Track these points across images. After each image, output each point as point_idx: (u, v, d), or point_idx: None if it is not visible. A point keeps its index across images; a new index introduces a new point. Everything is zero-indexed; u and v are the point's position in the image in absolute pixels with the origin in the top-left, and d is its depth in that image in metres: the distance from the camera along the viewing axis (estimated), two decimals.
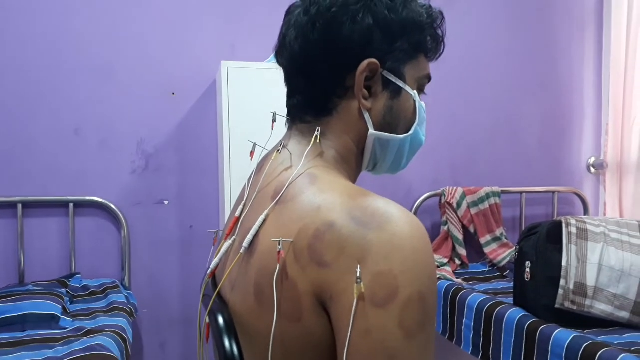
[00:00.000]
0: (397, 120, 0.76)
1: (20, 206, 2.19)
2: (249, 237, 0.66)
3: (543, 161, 2.94)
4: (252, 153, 0.81)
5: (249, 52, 2.38)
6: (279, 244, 0.60)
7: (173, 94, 2.38)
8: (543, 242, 1.85)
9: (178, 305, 2.41)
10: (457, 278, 2.40)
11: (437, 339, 2.47)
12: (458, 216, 2.62)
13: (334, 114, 0.74)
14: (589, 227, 1.85)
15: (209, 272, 0.73)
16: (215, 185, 2.42)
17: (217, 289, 0.69)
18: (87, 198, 2.28)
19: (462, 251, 2.60)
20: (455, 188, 2.66)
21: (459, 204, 2.63)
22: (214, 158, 2.41)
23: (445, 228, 2.64)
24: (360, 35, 0.70)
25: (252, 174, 0.80)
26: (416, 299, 0.56)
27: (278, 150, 0.75)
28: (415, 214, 2.66)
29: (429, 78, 0.81)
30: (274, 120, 0.79)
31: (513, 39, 2.87)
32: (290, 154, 0.73)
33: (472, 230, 2.65)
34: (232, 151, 2.02)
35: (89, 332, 1.69)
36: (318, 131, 0.73)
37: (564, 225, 1.85)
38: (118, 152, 2.33)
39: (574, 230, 1.85)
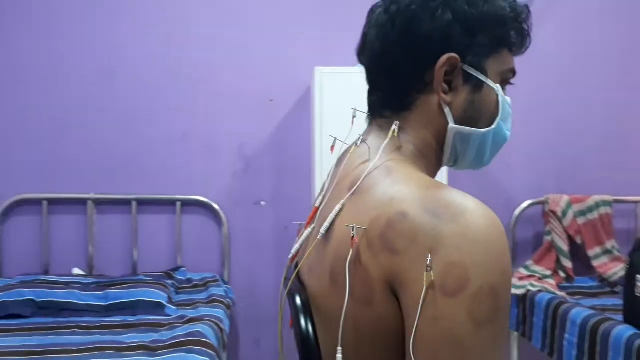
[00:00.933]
0: (479, 114, 0.75)
1: (134, 203, 2.41)
2: (326, 224, 0.68)
3: None
4: (332, 147, 0.83)
5: (342, 57, 2.43)
6: (353, 230, 0.62)
7: (271, 100, 2.49)
8: None
9: (273, 303, 2.50)
10: (560, 291, 2.26)
11: (536, 354, 2.34)
12: (563, 226, 2.47)
13: (412, 108, 0.75)
14: None
15: (290, 257, 0.76)
16: (308, 189, 2.48)
17: (296, 271, 0.73)
18: (193, 197, 2.45)
19: (568, 263, 2.44)
20: (560, 196, 2.50)
21: (564, 213, 2.47)
22: (307, 162, 2.49)
23: (549, 238, 2.49)
24: (440, 31, 0.71)
25: (332, 168, 0.82)
26: (487, 291, 0.56)
27: (357, 145, 0.77)
28: (515, 223, 2.54)
29: (513, 72, 0.79)
30: (354, 116, 0.82)
31: (625, 34, 2.65)
32: (369, 147, 0.74)
33: (579, 241, 2.48)
34: (324, 156, 2.08)
35: (191, 320, 1.81)
36: (396, 125, 0.74)
37: None
38: (220, 155, 2.48)
39: None
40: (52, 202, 2.40)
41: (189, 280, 2.33)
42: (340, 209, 0.68)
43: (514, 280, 2.41)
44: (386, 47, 0.74)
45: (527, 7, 0.77)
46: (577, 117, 2.64)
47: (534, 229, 2.63)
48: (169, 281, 2.21)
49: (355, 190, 0.68)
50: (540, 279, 2.38)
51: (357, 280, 0.62)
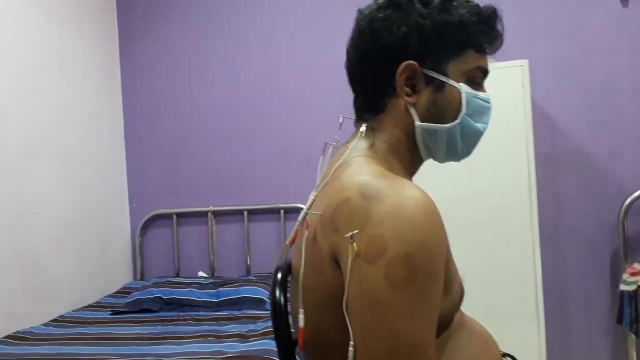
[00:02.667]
0: (442, 111, 0.83)
1: (245, 213, 2.72)
2: (302, 213, 0.83)
3: None
4: (324, 150, 0.97)
5: None
6: (307, 215, 0.76)
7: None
8: None
9: None
10: None
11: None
12: None
13: (385, 110, 0.86)
14: None
15: (287, 242, 0.92)
16: None
17: (283, 249, 0.89)
18: (293, 205, 2.69)
19: None
20: None
21: None
22: None
23: None
24: (398, 43, 0.81)
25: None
26: (402, 258, 0.65)
27: (333, 146, 0.90)
28: (625, 214, 2.35)
29: (482, 70, 0.85)
30: (340, 123, 0.95)
31: None
32: (347, 147, 0.87)
33: None
34: None
35: None
36: (364, 127, 0.85)
37: None
38: (315, 166, 2.68)
39: None
40: (180, 215, 2.81)
41: None
42: (313, 200, 0.82)
43: (625, 276, 2.24)
44: (359, 59, 0.87)
45: (493, 9, 0.84)
46: None
47: None
48: None
49: (324, 184, 0.82)
50: None
51: (314, 255, 0.75)
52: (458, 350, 0.78)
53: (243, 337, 1.80)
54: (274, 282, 0.84)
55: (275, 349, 1.61)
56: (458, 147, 0.86)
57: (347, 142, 0.89)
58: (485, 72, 0.86)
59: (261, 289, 2.28)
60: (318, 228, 0.75)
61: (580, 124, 2.47)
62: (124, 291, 2.54)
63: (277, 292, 0.82)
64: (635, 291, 2.14)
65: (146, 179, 2.87)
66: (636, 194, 2.35)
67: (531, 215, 2.15)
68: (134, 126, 2.88)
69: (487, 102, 0.86)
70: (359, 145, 0.85)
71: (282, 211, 2.69)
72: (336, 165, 0.83)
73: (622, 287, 2.22)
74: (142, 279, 2.76)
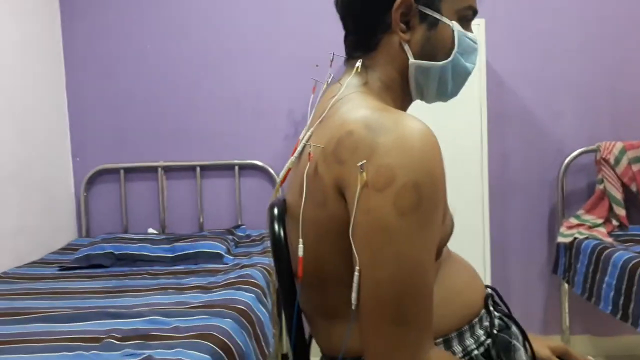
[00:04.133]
0: (435, 49, 0.84)
1: (198, 169, 2.66)
2: (299, 148, 0.83)
3: None
4: (313, 89, 0.97)
5: None
6: (310, 148, 0.76)
7: (317, 65, 2.61)
8: None
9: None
10: (609, 238, 2.23)
11: (577, 300, 2.34)
12: (616, 173, 2.41)
13: (378, 48, 0.86)
14: None
15: (279, 180, 0.91)
16: None
17: (277, 188, 0.88)
18: (249, 162, 2.66)
19: (621, 211, 2.39)
20: (613, 143, 2.44)
21: (617, 160, 2.41)
22: None
23: (601, 187, 2.44)
24: None
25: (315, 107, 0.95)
26: (410, 187, 0.67)
27: (328, 83, 0.90)
28: (565, 172, 2.51)
29: (472, 10, 0.86)
30: (331, 60, 0.94)
31: None
32: (340, 85, 0.86)
33: (634, 189, 2.41)
34: None
35: (244, 267, 2.03)
36: (359, 62, 0.85)
37: None
38: (272, 121, 2.66)
39: None
40: (127, 170, 2.70)
41: (247, 236, 2.55)
42: (310, 136, 0.82)
43: (562, 229, 2.41)
44: None
45: None
46: (629, 60, 2.54)
47: (587, 178, 2.58)
48: (229, 236, 2.44)
49: (322, 119, 0.82)
50: (590, 227, 2.36)
51: (315, 188, 0.76)
52: (448, 279, 0.82)
53: (205, 289, 1.79)
54: (271, 218, 0.83)
55: (242, 299, 1.63)
56: (449, 86, 0.88)
57: (340, 79, 0.89)
58: (474, 12, 0.87)
59: (218, 244, 2.26)
60: (320, 161, 0.75)
61: (527, 84, 2.58)
62: (70, 248, 2.44)
63: (276, 227, 0.81)
64: (571, 243, 2.31)
65: (90, 133, 2.73)
66: (574, 153, 2.51)
67: (482, 170, 2.25)
68: (76, 76, 2.71)
69: (475, 42, 0.88)
70: (353, 82, 0.85)
71: (236, 167, 2.66)
72: (332, 101, 0.83)
73: (560, 239, 2.39)
74: (87, 236, 2.65)
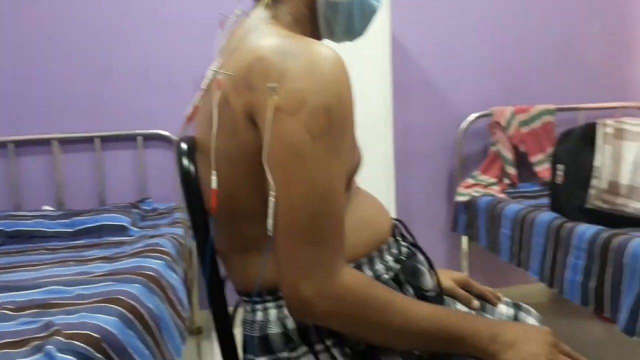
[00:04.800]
0: None
1: (98, 140, 2.50)
2: (205, 80, 0.81)
3: (606, 77, 2.80)
4: (221, 24, 0.94)
5: None
6: (219, 75, 0.75)
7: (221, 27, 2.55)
8: (576, 145, 1.83)
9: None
10: (502, 195, 2.41)
11: (483, 253, 2.53)
12: (507, 136, 2.60)
13: None
14: (627, 127, 1.80)
15: (185, 117, 0.88)
16: None
17: (183, 126, 0.85)
18: (154, 132, 2.55)
19: (512, 170, 2.58)
20: (504, 107, 2.62)
21: (508, 123, 2.60)
22: None
23: (494, 149, 2.63)
24: None
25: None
26: (321, 110, 0.68)
27: (237, 17, 0.88)
28: (462, 136, 2.67)
29: None
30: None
31: None
32: (250, 18, 0.85)
33: (522, 149, 2.62)
34: None
35: (152, 237, 1.95)
36: None
37: (599, 126, 1.81)
38: (178, 90, 2.56)
39: (610, 130, 1.80)
40: (18, 144, 2.49)
41: (154, 210, 2.45)
42: (218, 68, 0.80)
43: (460, 189, 2.56)
44: None
45: None
46: (521, 29, 2.73)
47: (483, 142, 2.76)
48: (134, 210, 2.33)
49: (231, 51, 0.80)
50: (485, 186, 2.53)
51: (226, 118, 0.74)
52: (357, 209, 0.84)
53: (109, 259, 1.70)
54: (179, 153, 0.81)
55: (150, 265, 1.57)
56: (355, 23, 0.90)
57: (248, 13, 0.87)
58: None
59: (122, 216, 2.15)
60: (230, 90, 0.74)
61: (429, 54, 2.70)
62: None
63: (185, 161, 0.79)
64: (469, 201, 2.47)
65: None
66: (470, 118, 2.67)
67: (386, 137, 2.33)
68: None
69: None
70: (262, 15, 0.84)
71: (140, 138, 2.53)
72: (240, 32, 0.82)
73: (458, 198, 2.54)
74: None
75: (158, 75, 2.55)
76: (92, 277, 1.48)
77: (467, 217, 2.50)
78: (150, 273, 1.53)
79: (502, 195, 2.37)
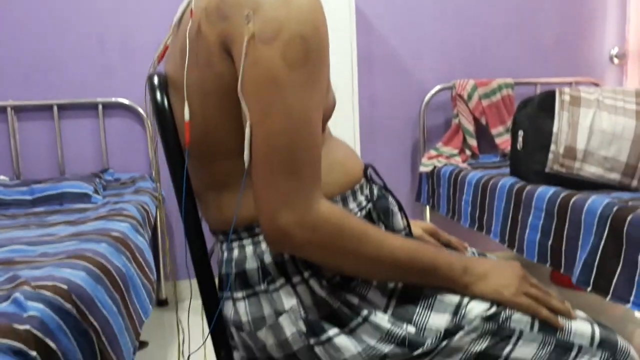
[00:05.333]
0: None
1: (55, 108, 2.42)
2: (177, 14, 0.80)
3: (561, 53, 2.90)
4: None
5: None
6: (191, 4, 0.74)
7: None
8: (535, 111, 1.89)
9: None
10: (464, 165, 2.48)
11: (445, 222, 2.59)
12: (469, 108, 2.66)
13: None
14: (583, 95, 1.87)
15: (156, 57, 0.87)
16: None
17: (153, 64, 0.84)
18: (114, 100, 2.48)
19: (473, 142, 2.65)
20: (466, 80, 2.68)
21: (469, 96, 2.66)
22: None
23: (456, 121, 2.69)
24: None
25: None
26: (298, 39, 0.68)
27: None
28: (425, 108, 2.72)
29: None
30: None
31: None
32: None
33: (483, 122, 2.69)
34: None
35: (115, 203, 1.91)
36: None
37: (557, 94, 1.88)
38: (140, 57, 2.50)
39: (567, 98, 1.87)
40: None
41: (117, 180, 2.40)
42: (189, 2, 0.79)
43: (424, 160, 2.61)
44: None
45: None
46: (481, 4, 2.79)
47: (445, 114, 2.82)
48: (96, 179, 2.28)
49: None
50: (447, 157, 2.59)
51: (199, 49, 0.74)
52: (330, 152, 0.85)
53: (73, 224, 1.66)
54: (151, 87, 0.79)
55: (116, 228, 1.55)
56: None
57: None
58: None
59: (84, 184, 2.10)
60: (202, 20, 0.74)
61: (392, 28, 2.72)
62: None
63: (159, 95, 0.78)
64: (432, 171, 2.53)
65: None
66: (432, 91, 2.72)
67: (353, 110, 2.35)
68: None
69: None
70: None
71: (100, 106, 2.47)
72: None
73: (421, 168, 2.59)
74: None
75: (118, 42, 2.48)
76: (57, 238, 1.45)
77: (429, 187, 2.56)
78: (117, 234, 1.50)
79: (464, 165, 2.43)
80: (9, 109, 2.39)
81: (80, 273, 1.14)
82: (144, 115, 2.50)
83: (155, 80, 0.79)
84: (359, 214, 0.85)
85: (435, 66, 2.78)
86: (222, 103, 0.74)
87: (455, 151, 2.63)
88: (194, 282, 2.63)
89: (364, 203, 0.88)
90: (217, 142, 0.77)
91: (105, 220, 1.64)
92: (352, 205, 0.85)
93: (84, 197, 2.03)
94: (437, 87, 2.71)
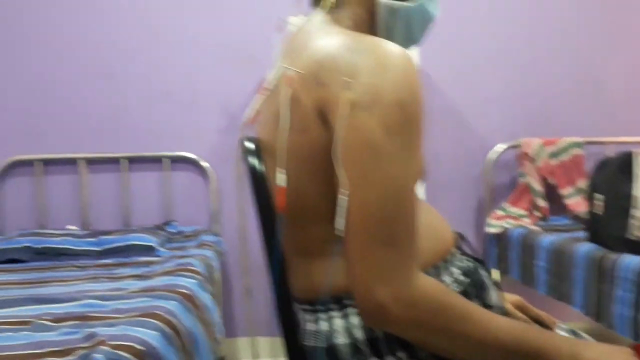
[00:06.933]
0: None
1: (124, 161, 2.51)
2: (271, 79, 0.80)
3: (632, 110, 2.79)
4: (279, 27, 0.95)
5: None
6: (290, 71, 0.74)
7: (252, 55, 2.58)
8: (614, 174, 1.80)
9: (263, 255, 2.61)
10: (535, 227, 2.37)
11: (515, 286, 2.46)
12: (536, 168, 2.57)
13: None
14: None
15: (244, 120, 0.88)
16: None
17: (242, 127, 0.84)
18: (180, 154, 2.55)
19: (542, 203, 2.55)
20: (532, 139, 2.61)
21: (537, 155, 2.58)
22: None
23: (524, 180, 2.60)
24: None
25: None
26: (396, 105, 0.67)
27: (297, 21, 0.88)
28: (490, 166, 2.65)
29: None
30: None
31: None
32: (311, 22, 0.85)
33: (552, 182, 2.59)
34: None
35: (180, 257, 1.92)
36: (328, 1, 0.84)
37: (635, 155, 1.78)
38: (205, 112, 2.58)
39: None
40: (45, 162, 2.49)
41: (180, 232, 2.43)
42: (283, 68, 0.79)
43: (491, 220, 2.52)
44: None
45: None
46: (547, 61, 2.74)
47: (509, 173, 2.74)
48: (161, 232, 2.31)
49: (294, 52, 0.79)
50: (516, 218, 2.49)
51: (295, 115, 0.73)
52: (422, 216, 0.81)
53: (141, 277, 1.67)
54: (246, 151, 0.79)
55: (184, 284, 1.54)
56: (414, 30, 0.89)
57: (310, 18, 0.87)
58: None
59: (149, 237, 2.13)
60: (299, 87, 0.73)
61: (453, 84, 2.70)
62: None
63: (253, 159, 0.77)
64: (501, 233, 2.43)
65: (4, 120, 2.49)
66: (498, 149, 2.65)
67: None
68: None
69: None
70: (323, 19, 0.84)
71: (166, 160, 2.53)
72: (303, 35, 0.81)
73: (489, 229, 2.50)
74: None
75: (186, 99, 2.57)
76: (127, 292, 1.45)
77: (498, 250, 2.45)
78: (184, 291, 1.49)
79: (535, 228, 2.33)
80: (81, 161, 2.49)
81: (154, 333, 1.12)
82: (209, 169, 2.54)
83: (249, 144, 0.79)
84: (455, 288, 0.80)
85: (498, 123, 2.72)
86: (316, 169, 0.73)
87: (524, 212, 2.52)
88: (254, 340, 2.59)
89: (457, 275, 0.83)
90: (309, 208, 0.76)
91: (173, 275, 1.64)
92: (446, 278, 0.81)
93: (149, 250, 2.05)
94: (503, 146, 2.65)
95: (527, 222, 2.45)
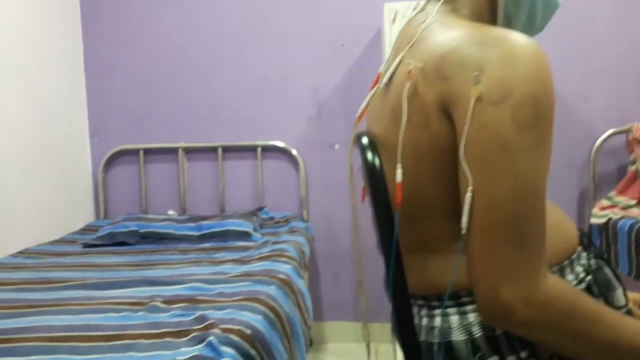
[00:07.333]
0: None
1: (220, 150, 2.60)
2: (387, 74, 0.78)
3: None
4: (393, 19, 0.92)
5: None
6: (410, 65, 0.71)
7: (342, 45, 2.57)
8: None
9: (350, 240, 2.62)
10: None
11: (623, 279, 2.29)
12: None
13: None
14: None
15: (357, 116, 0.86)
16: None
17: (355, 124, 0.83)
18: (271, 143, 2.60)
19: None
20: None
21: None
22: None
23: (633, 167, 2.40)
24: None
25: (396, 40, 0.90)
26: (529, 99, 0.63)
27: (416, 12, 0.84)
28: (596, 154, 2.47)
29: None
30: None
31: None
32: (427, 12, 0.82)
33: None
34: None
35: (275, 243, 1.97)
36: None
37: None
38: (295, 101, 2.61)
39: None
40: (147, 151, 2.64)
41: (271, 218, 2.49)
42: (400, 61, 0.77)
43: (595, 211, 2.36)
44: None
45: None
46: None
47: (617, 160, 2.54)
48: (254, 217, 2.38)
49: (413, 43, 0.76)
50: (623, 208, 2.31)
51: (414, 110, 0.70)
52: (548, 211, 0.77)
53: (240, 262, 1.73)
54: (362, 147, 0.78)
55: (281, 269, 1.57)
56: (538, 17, 0.83)
57: (424, 7, 0.84)
58: None
59: (245, 222, 2.20)
60: (419, 81, 0.70)
61: (557, 68, 2.53)
62: (89, 229, 2.38)
63: (370, 154, 0.76)
64: (605, 224, 2.27)
65: (109, 112, 2.67)
66: (606, 134, 2.46)
67: None
68: (95, 53, 2.66)
69: None
70: (440, 9, 0.80)
71: (259, 149, 2.60)
72: (422, 26, 0.78)
73: (593, 220, 2.34)
74: (105, 217, 2.59)
75: (277, 90, 2.61)
76: (229, 277, 1.51)
77: (602, 241, 2.29)
78: (282, 277, 1.53)
79: None
80: (180, 150, 2.62)
81: (259, 317, 1.16)
82: (298, 157, 2.58)
83: (365, 140, 0.77)
84: (579, 286, 0.75)
85: (606, 107, 2.53)
86: (435, 164, 0.70)
87: (633, 202, 2.33)
88: (339, 324, 2.62)
89: (582, 275, 0.77)
90: (427, 204, 0.73)
91: (269, 260, 1.68)
92: (570, 277, 0.76)
93: (245, 235, 2.12)
94: (610, 131, 2.46)
95: (636, 212, 2.27)
